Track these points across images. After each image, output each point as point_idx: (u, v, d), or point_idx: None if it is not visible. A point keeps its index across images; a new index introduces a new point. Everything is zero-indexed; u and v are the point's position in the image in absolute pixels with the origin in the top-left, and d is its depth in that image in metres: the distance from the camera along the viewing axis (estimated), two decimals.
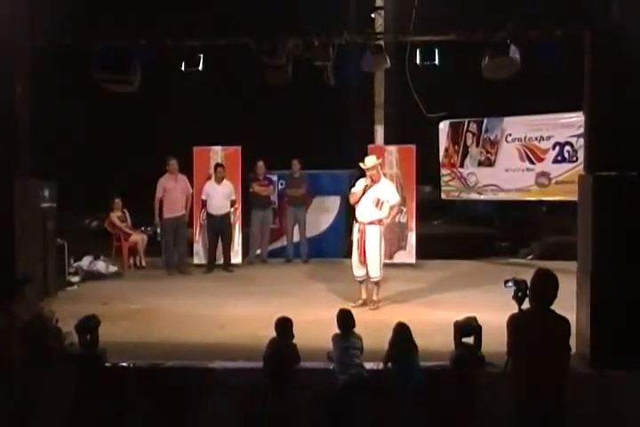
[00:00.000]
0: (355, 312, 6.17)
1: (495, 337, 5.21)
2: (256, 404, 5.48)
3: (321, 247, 12.45)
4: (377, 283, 8.78)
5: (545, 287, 4.49)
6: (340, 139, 15.50)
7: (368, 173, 8.75)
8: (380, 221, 8.70)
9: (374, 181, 8.74)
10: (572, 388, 4.49)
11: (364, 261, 8.70)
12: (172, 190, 11.43)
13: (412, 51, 8.63)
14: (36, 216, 8.49)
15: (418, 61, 8.59)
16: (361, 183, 8.82)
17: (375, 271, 8.69)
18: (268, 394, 5.42)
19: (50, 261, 9.19)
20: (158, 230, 11.60)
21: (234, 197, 11.80)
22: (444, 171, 13.15)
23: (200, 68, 8.49)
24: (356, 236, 8.78)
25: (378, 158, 9.03)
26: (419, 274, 11.23)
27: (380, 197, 8.70)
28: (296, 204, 12.51)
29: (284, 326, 5.62)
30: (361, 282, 8.85)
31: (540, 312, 4.48)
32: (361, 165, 8.84)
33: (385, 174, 11.85)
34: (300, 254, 12.50)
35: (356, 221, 8.82)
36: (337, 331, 5.87)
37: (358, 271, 8.78)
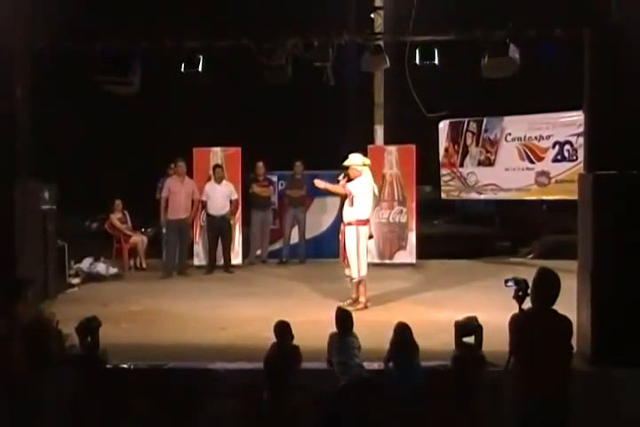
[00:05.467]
0: (355, 313, 6.15)
1: (496, 337, 5.20)
2: (256, 405, 5.46)
3: (321, 248, 12.43)
4: (360, 283, 8.68)
5: (547, 287, 4.48)
6: (340, 139, 15.48)
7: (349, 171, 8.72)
8: (357, 222, 8.62)
9: (351, 179, 8.70)
10: (573, 386, 4.49)
11: (344, 262, 8.73)
12: (177, 193, 11.43)
13: (411, 50, 8.62)
14: (36, 218, 8.48)
15: (417, 61, 8.59)
16: (342, 180, 8.77)
17: (355, 272, 8.64)
18: (267, 395, 5.41)
19: (50, 263, 9.17)
20: (164, 230, 11.59)
21: (235, 196, 11.83)
22: (443, 171, 13.14)
23: (200, 69, 8.49)
24: (340, 237, 8.85)
25: (365, 160, 8.81)
26: (419, 274, 11.24)
27: (352, 193, 8.65)
28: (296, 204, 12.52)
29: (283, 329, 5.61)
30: (351, 281, 8.86)
31: (541, 312, 4.47)
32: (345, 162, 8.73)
33: (384, 176, 11.99)
34: (297, 255, 12.52)
35: (341, 221, 8.90)
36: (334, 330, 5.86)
37: (345, 271, 8.81)
